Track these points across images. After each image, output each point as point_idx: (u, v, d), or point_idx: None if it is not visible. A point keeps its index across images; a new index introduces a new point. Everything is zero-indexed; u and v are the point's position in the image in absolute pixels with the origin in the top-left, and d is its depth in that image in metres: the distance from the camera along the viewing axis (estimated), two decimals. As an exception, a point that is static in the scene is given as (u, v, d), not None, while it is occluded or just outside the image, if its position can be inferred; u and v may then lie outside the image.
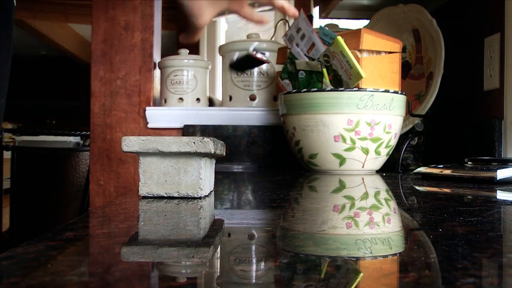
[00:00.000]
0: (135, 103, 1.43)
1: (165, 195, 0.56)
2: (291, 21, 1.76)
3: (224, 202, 0.59)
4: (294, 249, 0.32)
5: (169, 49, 2.15)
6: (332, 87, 1.02)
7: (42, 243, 0.32)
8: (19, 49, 6.20)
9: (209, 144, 0.54)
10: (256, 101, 1.39)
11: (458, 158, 1.07)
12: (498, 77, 1.10)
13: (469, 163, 0.92)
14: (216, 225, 0.42)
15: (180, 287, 0.24)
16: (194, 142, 0.54)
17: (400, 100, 1.03)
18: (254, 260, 0.30)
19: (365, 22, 1.40)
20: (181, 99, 1.43)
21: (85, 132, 2.51)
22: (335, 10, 1.48)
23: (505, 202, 0.61)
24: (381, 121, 1.00)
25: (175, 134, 1.45)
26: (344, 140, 0.99)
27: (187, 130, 1.41)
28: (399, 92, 1.03)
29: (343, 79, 1.01)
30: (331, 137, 1.00)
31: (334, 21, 1.51)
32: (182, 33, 0.75)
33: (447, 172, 0.84)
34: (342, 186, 0.79)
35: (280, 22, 1.82)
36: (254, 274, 0.27)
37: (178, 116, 1.42)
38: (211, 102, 1.57)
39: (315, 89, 1.02)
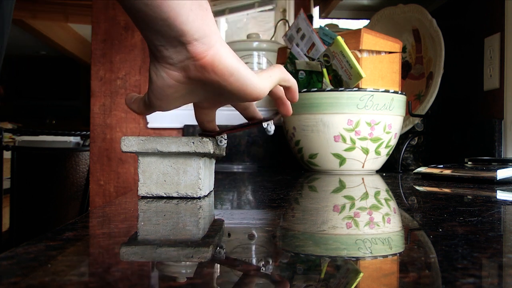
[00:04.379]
0: (135, 103, 1.43)
1: (164, 195, 0.56)
2: (291, 21, 1.77)
3: (224, 202, 0.59)
4: (294, 249, 0.32)
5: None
6: (332, 87, 1.02)
7: (42, 243, 0.32)
8: (19, 49, 6.20)
9: (208, 144, 0.54)
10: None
11: (458, 158, 1.07)
12: (498, 77, 1.10)
13: (469, 163, 0.92)
14: (216, 225, 0.42)
15: (180, 287, 0.24)
16: (193, 142, 0.54)
17: (400, 100, 1.03)
18: (254, 260, 0.30)
19: (365, 22, 1.41)
20: (181, 99, 1.43)
21: (85, 132, 2.51)
22: (335, 10, 1.48)
23: (505, 202, 0.61)
24: (381, 121, 1.00)
25: (175, 134, 1.45)
26: (344, 140, 0.99)
27: (187, 130, 1.41)
28: (399, 92, 1.03)
29: (343, 79, 1.01)
30: (331, 137, 1.00)
31: (334, 21, 1.51)
32: (135, 97, 0.53)
33: (447, 172, 0.84)
34: (342, 186, 0.79)
35: (280, 22, 1.82)
36: (254, 274, 0.27)
37: (178, 116, 1.42)
38: (211, 102, 1.57)
39: (315, 89, 1.02)
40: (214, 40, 0.44)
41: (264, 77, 0.50)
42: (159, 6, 0.40)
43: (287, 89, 0.56)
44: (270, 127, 0.58)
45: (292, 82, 0.55)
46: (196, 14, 0.42)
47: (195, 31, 0.42)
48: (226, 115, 1.39)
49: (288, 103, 0.58)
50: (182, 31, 0.42)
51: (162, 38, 0.43)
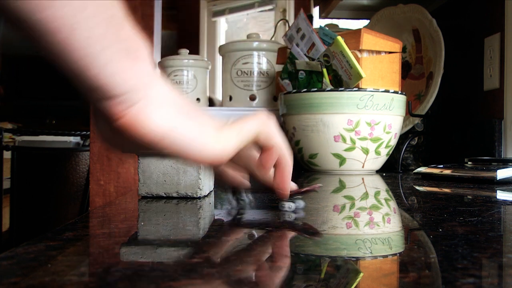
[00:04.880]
0: (135, 103, 1.43)
1: (164, 195, 0.56)
2: (291, 21, 1.76)
3: (223, 202, 0.59)
4: (294, 249, 0.32)
5: (169, 49, 2.15)
6: (332, 87, 1.02)
7: (42, 243, 0.32)
8: (19, 49, 6.20)
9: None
10: (256, 101, 1.39)
11: (458, 158, 1.07)
12: (498, 77, 1.10)
13: (469, 163, 0.92)
14: (216, 225, 0.42)
15: (180, 287, 0.24)
16: (194, 142, 0.54)
17: (400, 100, 1.03)
18: (254, 260, 0.30)
19: (365, 22, 1.40)
20: (181, 99, 1.43)
21: (85, 132, 2.50)
22: (335, 10, 1.48)
23: (505, 202, 0.61)
24: (381, 121, 1.00)
25: (175, 134, 1.45)
26: (344, 140, 0.99)
27: (187, 130, 1.41)
28: (399, 92, 1.03)
29: (343, 79, 1.01)
30: (331, 137, 1.00)
31: (334, 21, 1.51)
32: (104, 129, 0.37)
33: (447, 172, 0.84)
34: (342, 186, 0.79)
35: (280, 22, 1.82)
36: (254, 274, 0.27)
37: (178, 116, 1.42)
38: (211, 102, 1.57)
39: (315, 89, 1.02)
40: (140, 96, 0.33)
41: (228, 133, 0.38)
42: (68, 51, 0.30)
43: (265, 150, 0.41)
44: (289, 206, 0.45)
45: (276, 142, 0.40)
46: (117, 66, 0.32)
47: (113, 86, 0.32)
48: (226, 115, 1.39)
49: (284, 175, 0.42)
50: (96, 85, 0.32)
51: (79, 85, 0.33)
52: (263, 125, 0.40)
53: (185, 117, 0.35)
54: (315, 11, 1.88)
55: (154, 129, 0.34)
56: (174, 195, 0.56)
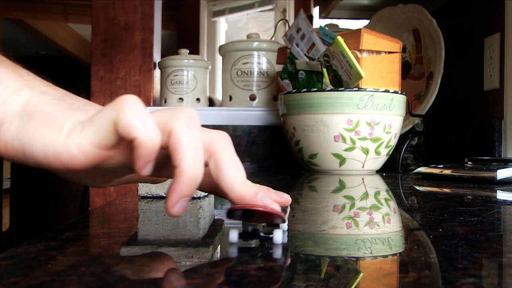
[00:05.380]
0: (135, 103, 1.43)
1: (164, 195, 0.56)
2: (291, 21, 1.76)
3: (224, 202, 0.58)
4: (294, 249, 0.32)
5: (169, 49, 2.15)
6: (332, 87, 1.02)
7: (42, 243, 0.32)
8: (19, 49, 6.20)
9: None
10: (256, 101, 1.39)
11: (458, 158, 1.07)
12: (498, 77, 1.10)
13: (469, 163, 0.92)
14: (216, 225, 0.42)
15: (180, 287, 0.24)
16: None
17: (400, 100, 1.03)
18: (254, 260, 0.30)
19: (365, 22, 1.40)
20: (181, 99, 1.43)
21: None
22: (335, 10, 1.48)
23: (505, 202, 0.61)
24: (381, 121, 1.00)
25: (175, 134, 1.44)
26: (344, 140, 0.99)
27: (187, 130, 1.41)
28: (399, 92, 1.03)
29: (343, 79, 1.01)
30: (331, 137, 1.00)
31: (334, 21, 1.51)
32: None
33: (447, 172, 0.84)
34: (342, 186, 0.79)
35: (280, 22, 1.82)
36: (254, 274, 0.27)
37: (178, 116, 1.42)
38: (211, 102, 1.57)
39: (315, 89, 1.02)
40: None
41: (80, 128, 0.31)
42: None
43: (131, 145, 0.30)
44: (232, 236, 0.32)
45: (139, 135, 0.29)
46: None
47: None
48: (226, 115, 1.39)
49: (174, 185, 0.34)
50: None
51: None
52: (119, 112, 0.29)
53: (32, 122, 0.33)
54: (315, 11, 1.88)
55: (8, 143, 0.33)
56: (174, 195, 0.56)
